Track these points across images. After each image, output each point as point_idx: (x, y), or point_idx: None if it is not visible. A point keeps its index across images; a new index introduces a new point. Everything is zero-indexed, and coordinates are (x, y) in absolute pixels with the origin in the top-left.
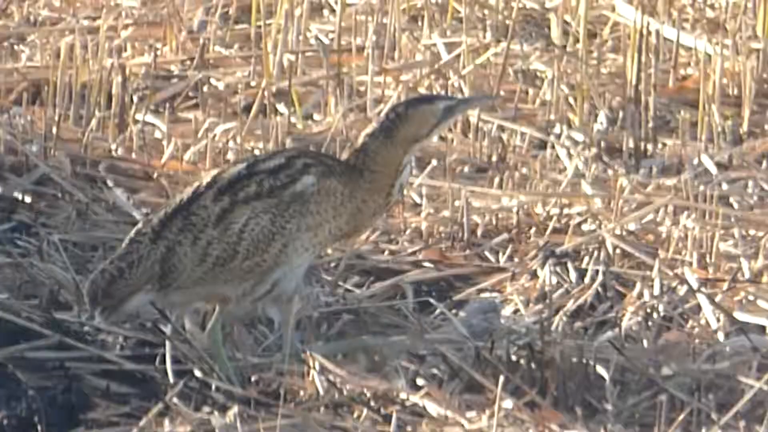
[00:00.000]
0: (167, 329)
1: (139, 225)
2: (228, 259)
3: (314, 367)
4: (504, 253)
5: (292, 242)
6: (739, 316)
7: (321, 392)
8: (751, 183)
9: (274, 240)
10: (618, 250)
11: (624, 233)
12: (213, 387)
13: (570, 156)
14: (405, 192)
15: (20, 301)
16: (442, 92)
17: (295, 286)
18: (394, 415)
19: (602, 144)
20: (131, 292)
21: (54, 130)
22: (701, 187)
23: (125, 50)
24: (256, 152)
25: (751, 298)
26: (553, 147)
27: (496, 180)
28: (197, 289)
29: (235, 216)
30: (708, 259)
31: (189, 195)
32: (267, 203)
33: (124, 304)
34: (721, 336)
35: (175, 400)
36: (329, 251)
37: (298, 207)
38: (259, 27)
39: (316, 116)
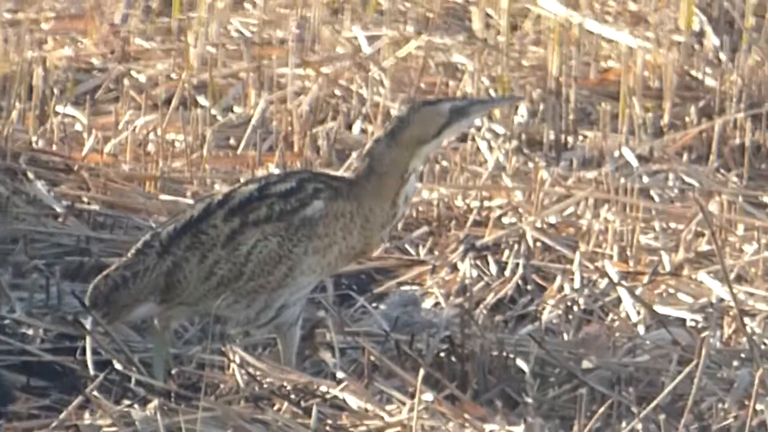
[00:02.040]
0: (88, 322)
1: (147, 237)
2: (233, 279)
3: (235, 361)
4: (424, 246)
5: (298, 265)
6: (660, 309)
7: (242, 385)
8: (671, 176)
9: (281, 263)
10: (538, 243)
11: (544, 226)
12: (133, 380)
13: (491, 148)
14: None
15: None
16: (363, 84)
17: (297, 315)
18: (315, 408)
19: (523, 136)
20: (134, 301)
21: None
22: (622, 180)
23: (46, 43)
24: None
25: (671, 291)
26: (473, 139)
27: None
28: (199, 307)
29: (244, 238)
30: (628, 252)
31: (200, 212)
32: (276, 227)
33: (126, 313)
34: (641, 329)
35: (95, 393)
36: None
37: (306, 231)
38: (181, 20)
39: (236, 108)
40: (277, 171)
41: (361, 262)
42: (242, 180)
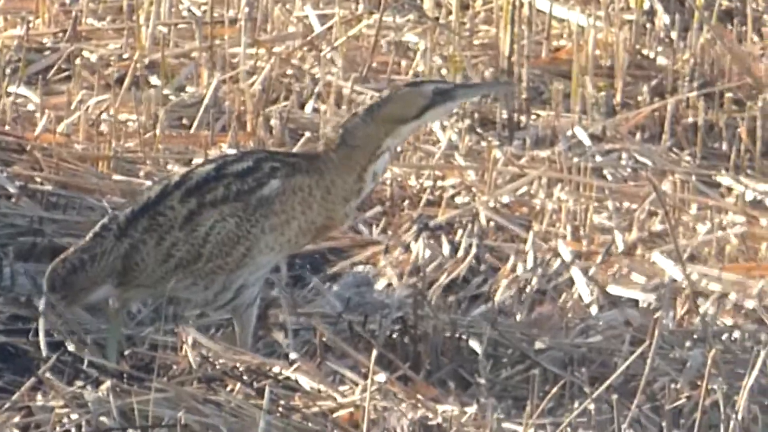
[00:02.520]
0: (40, 303)
1: (105, 220)
2: (191, 260)
3: (187, 342)
4: (377, 226)
5: (256, 245)
6: (613, 289)
7: (194, 366)
8: (624, 155)
9: (239, 243)
10: (492, 223)
11: (498, 206)
12: (86, 361)
13: (443, 128)
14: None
15: None
16: (315, 64)
17: (255, 296)
18: (267, 389)
19: (475, 116)
20: (91, 284)
21: None
22: (575, 159)
23: None
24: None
25: (624, 271)
26: None
27: None
28: (158, 289)
29: (202, 219)
30: (582, 232)
31: (157, 193)
32: (234, 207)
33: (84, 295)
34: (594, 310)
35: (48, 374)
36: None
37: (264, 211)
38: None
39: (188, 88)
40: (231, 151)
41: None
42: (195, 160)
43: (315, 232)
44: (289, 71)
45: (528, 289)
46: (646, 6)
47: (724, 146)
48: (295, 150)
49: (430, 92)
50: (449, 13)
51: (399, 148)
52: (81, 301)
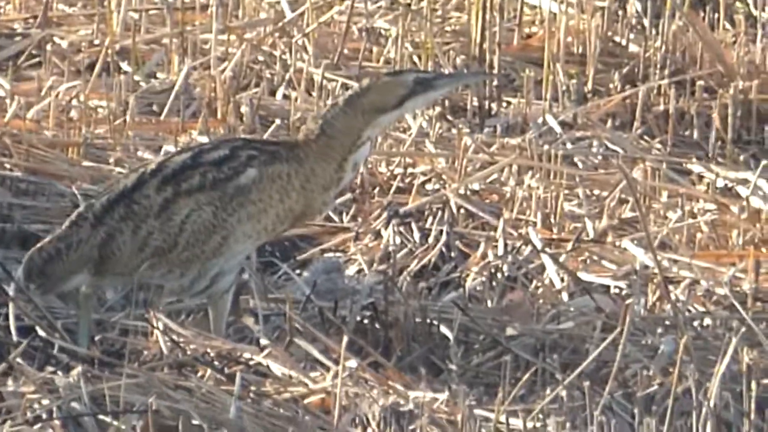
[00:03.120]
0: (10, 289)
1: (81, 208)
2: (167, 249)
3: (158, 327)
4: (348, 213)
5: (233, 233)
6: (584, 276)
7: (165, 352)
8: (595, 142)
9: (215, 232)
10: (462, 210)
11: (468, 193)
12: (56, 347)
13: (414, 115)
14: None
15: None
16: (286, 50)
17: (231, 282)
18: (238, 375)
19: (446, 103)
20: (68, 273)
21: None
22: (545, 147)
23: None
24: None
25: (595, 258)
26: None
27: None
28: (134, 277)
29: (177, 207)
30: (552, 220)
31: (133, 182)
32: (210, 196)
33: (60, 284)
34: (565, 296)
35: (18, 359)
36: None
37: (240, 200)
38: None
39: (159, 74)
40: (203, 138)
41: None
42: (165, 146)
43: (293, 220)
44: (260, 58)
45: (499, 276)
46: None
47: (696, 134)
48: (267, 137)
49: (411, 82)
50: None
51: (379, 138)
52: (57, 289)
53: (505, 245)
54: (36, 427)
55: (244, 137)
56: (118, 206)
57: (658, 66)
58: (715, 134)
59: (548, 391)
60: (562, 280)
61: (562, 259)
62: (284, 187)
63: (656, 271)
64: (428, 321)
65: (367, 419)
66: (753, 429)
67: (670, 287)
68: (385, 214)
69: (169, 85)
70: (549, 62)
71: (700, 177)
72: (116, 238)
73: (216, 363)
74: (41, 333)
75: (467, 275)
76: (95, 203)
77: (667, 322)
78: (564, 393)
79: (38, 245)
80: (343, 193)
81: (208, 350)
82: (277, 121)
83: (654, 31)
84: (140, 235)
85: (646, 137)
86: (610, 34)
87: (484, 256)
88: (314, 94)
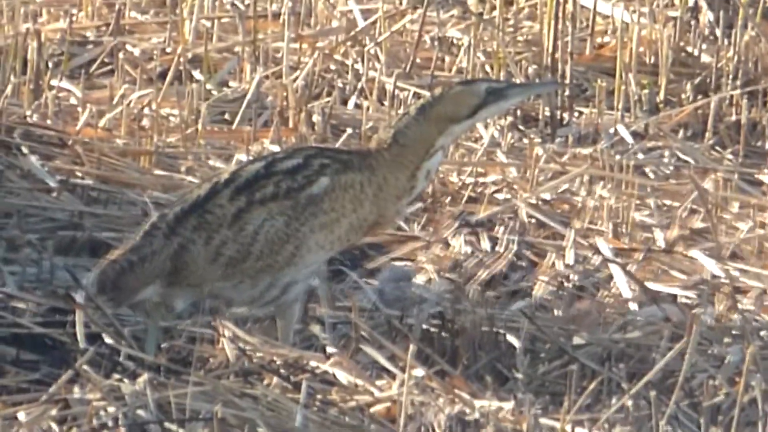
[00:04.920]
0: (79, 296)
1: (154, 218)
2: (241, 260)
3: (225, 335)
4: (418, 222)
5: (305, 242)
6: (652, 286)
7: (231, 360)
8: (667, 153)
9: (288, 242)
10: (532, 220)
11: (539, 203)
12: (123, 354)
13: (486, 125)
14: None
15: None
16: (358, 59)
17: (300, 292)
18: (304, 383)
19: (518, 112)
20: (141, 285)
21: None
22: (617, 157)
23: (41, 15)
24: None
25: (664, 268)
26: None
27: None
28: (206, 288)
29: (250, 217)
30: (622, 230)
31: (206, 192)
32: (283, 205)
33: (133, 296)
34: (633, 306)
35: (85, 366)
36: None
37: (313, 209)
38: None
39: (231, 83)
40: (275, 147)
41: None
42: (237, 155)
43: (366, 229)
44: (332, 66)
45: (567, 285)
46: (691, 3)
47: (767, 145)
48: (339, 146)
49: (483, 91)
50: (493, 8)
51: (451, 147)
52: (129, 301)
53: (575, 255)
54: None
55: (317, 146)
56: (192, 216)
57: (730, 76)
58: None
59: (614, 401)
60: (631, 289)
61: (631, 268)
62: (357, 197)
63: (725, 280)
64: (495, 330)
65: (433, 428)
66: None
67: (739, 297)
68: (455, 224)
69: (241, 93)
70: (621, 72)
71: None
72: (189, 249)
73: (282, 371)
74: (108, 340)
75: (536, 284)
76: (168, 213)
77: (735, 332)
78: (630, 402)
79: (111, 257)
80: (415, 202)
81: (275, 358)
82: (349, 131)
83: (726, 41)
84: (213, 246)
85: (717, 148)
86: (682, 44)
87: (553, 265)
88: (386, 103)
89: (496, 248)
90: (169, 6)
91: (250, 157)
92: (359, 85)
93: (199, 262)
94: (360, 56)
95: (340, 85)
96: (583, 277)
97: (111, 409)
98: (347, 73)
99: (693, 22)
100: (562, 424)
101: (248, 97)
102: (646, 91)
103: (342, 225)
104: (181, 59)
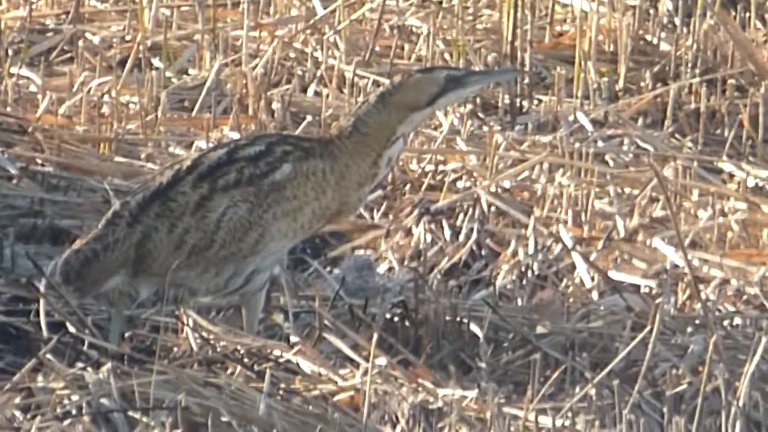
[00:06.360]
0: (41, 285)
1: (116, 206)
2: (204, 247)
3: (188, 324)
4: (379, 210)
5: (268, 230)
6: (614, 275)
7: (195, 349)
8: (626, 141)
9: (251, 230)
10: (493, 208)
11: (499, 191)
12: (86, 343)
13: (445, 112)
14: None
15: None
16: (318, 47)
17: (265, 281)
18: (268, 372)
19: (478, 100)
20: (106, 274)
21: None
22: (577, 145)
23: (0, 4)
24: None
25: (625, 256)
26: None
27: None
28: (171, 277)
29: (213, 204)
30: (583, 218)
31: (169, 179)
32: (246, 192)
33: (98, 286)
34: (595, 295)
35: (48, 355)
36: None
37: (276, 196)
38: None
39: (191, 71)
40: (235, 135)
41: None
42: (196, 142)
43: (329, 217)
44: (292, 54)
45: (529, 274)
46: None
47: (726, 132)
48: (299, 133)
49: (442, 79)
50: None
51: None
52: (95, 291)
53: (536, 243)
54: (65, 422)
55: (279, 133)
56: (154, 204)
57: (689, 64)
58: (746, 133)
59: (577, 390)
60: (593, 278)
61: (592, 257)
62: (319, 184)
63: (686, 270)
64: (458, 319)
65: (397, 417)
66: None
67: (701, 286)
68: (416, 212)
69: (201, 81)
70: (580, 60)
71: (731, 176)
72: (153, 237)
73: (246, 360)
74: (71, 329)
75: (498, 273)
76: (131, 201)
77: (697, 322)
78: (593, 392)
79: (74, 247)
80: (375, 190)
81: (238, 347)
82: (309, 118)
83: (685, 30)
84: (176, 233)
85: (677, 136)
86: (641, 32)
87: (515, 254)
88: (345, 91)
89: (457, 237)
90: None
91: (211, 144)
92: (318, 73)
93: (162, 251)
94: (319, 44)
95: (300, 72)
96: (545, 266)
97: (75, 398)
98: (306, 61)
99: (652, 11)
100: (525, 413)
101: (208, 84)
102: (605, 79)
103: (305, 213)
104: (141, 47)
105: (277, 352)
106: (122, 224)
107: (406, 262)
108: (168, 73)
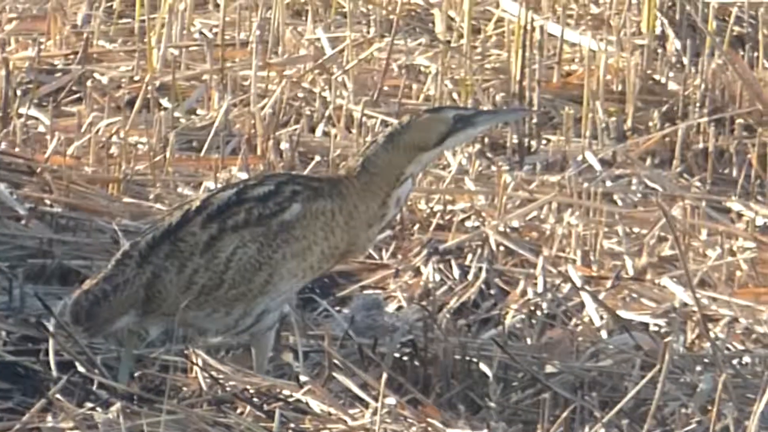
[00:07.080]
0: (50, 325)
1: (126, 247)
2: (213, 287)
3: (197, 363)
4: (387, 250)
5: (278, 270)
6: (623, 314)
7: (204, 388)
8: (634, 180)
9: (261, 269)
10: (501, 247)
11: (508, 230)
12: (96, 383)
13: (453, 152)
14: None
15: None
16: (326, 87)
17: (275, 321)
18: (278, 412)
19: (486, 140)
20: (115, 314)
21: None
22: (585, 184)
23: (9, 44)
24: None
25: (634, 296)
26: None
27: None
28: (180, 316)
29: (223, 244)
30: (592, 257)
31: (178, 219)
32: (255, 232)
33: (108, 326)
34: (604, 334)
35: (58, 395)
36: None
37: (285, 236)
38: (143, 21)
39: (199, 111)
40: (243, 175)
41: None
42: (205, 183)
43: (338, 257)
44: (300, 94)
45: (538, 313)
46: (658, 31)
47: (735, 172)
48: (308, 173)
49: (451, 119)
50: (460, 36)
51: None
52: (104, 331)
53: (545, 282)
54: None
55: (288, 172)
56: (164, 244)
57: (698, 104)
58: (754, 172)
59: (587, 429)
60: (602, 317)
61: (601, 296)
62: (328, 224)
63: (695, 308)
64: (467, 358)
65: None
66: None
67: (710, 325)
68: (424, 251)
69: (209, 121)
70: (588, 100)
71: (740, 215)
72: (162, 277)
73: (255, 399)
74: (81, 369)
75: (506, 312)
76: (140, 241)
77: (706, 360)
78: (602, 431)
79: (84, 287)
80: (384, 230)
81: (248, 387)
82: (317, 158)
83: (693, 70)
84: (186, 273)
85: (685, 175)
86: (649, 72)
87: (524, 293)
88: (354, 131)
89: (466, 276)
90: (137, 34)
91: (220, 185)
92: (327, 113)
93: (171, 290)
94: (327, 84)
95: (308, 112)
96: (554, 305)
97: None
98: (315, 100)
99: (660, 50)
100: None
101: (216, 124)
102: (613, 118)
103: (314, 252)
104: (149, 87)
105: (286, 392)
106: (132, 264)
107: (415, 302)
108: (176, 114)
